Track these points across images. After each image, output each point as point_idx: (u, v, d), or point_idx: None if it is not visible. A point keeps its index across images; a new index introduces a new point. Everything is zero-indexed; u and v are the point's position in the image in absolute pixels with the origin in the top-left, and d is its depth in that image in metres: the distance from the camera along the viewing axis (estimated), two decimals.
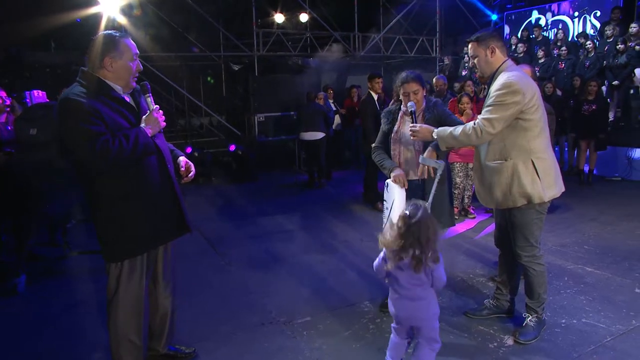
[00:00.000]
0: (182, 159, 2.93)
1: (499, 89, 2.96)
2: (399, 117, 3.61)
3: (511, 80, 2.93)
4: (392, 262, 2.55)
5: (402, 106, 3.58)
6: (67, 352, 3.30)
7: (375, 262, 2.70)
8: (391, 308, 2.71)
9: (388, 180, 3.50)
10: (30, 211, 4.51)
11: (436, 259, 2.52)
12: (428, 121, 3.41)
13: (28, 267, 4.48)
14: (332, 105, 9.88)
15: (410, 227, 2.47)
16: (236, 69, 12.55)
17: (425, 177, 3.44)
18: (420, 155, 3.33)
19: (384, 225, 3.20)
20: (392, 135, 3.60)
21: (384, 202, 3.54)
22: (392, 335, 2.80)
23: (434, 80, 8.41)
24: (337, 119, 9.98)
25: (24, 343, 3.44)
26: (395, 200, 3.37)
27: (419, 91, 3.47)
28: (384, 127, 3.69)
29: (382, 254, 2.65)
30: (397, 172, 3.47)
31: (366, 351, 3.18)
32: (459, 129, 3.06)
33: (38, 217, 4.66)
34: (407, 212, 2.52)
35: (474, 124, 3.01)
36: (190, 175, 2.91)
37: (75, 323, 3.69)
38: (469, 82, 6.93)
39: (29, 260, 4.59)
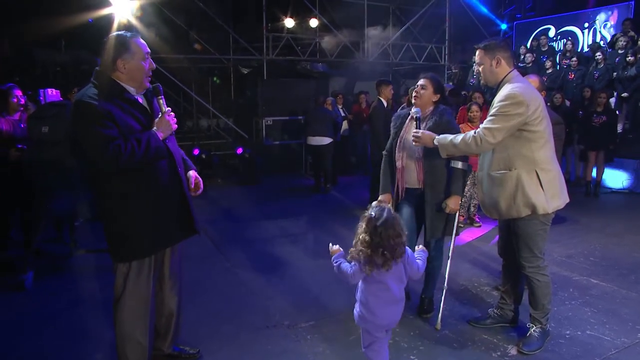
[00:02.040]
0: (192, 174, 2.95)
1: (502, 100, 2.97)
2: (406, 122, 3.62)
3: (515, 91, 2.95)
4: (370, 267, 2.52)
5: (410, 111, 3.59)
6: (71, 350, 3.32)
7: (347, 267, 2.61)
8: (377, 319, 2.60)
9: (373, 204, 3.53)
10: (38, 208, 4.54)
11: (402, 253, 2.55)
12: (430, 128, 3.41)
13: (35, 264, 4.51)
14: (341, 111, 9.90)
15: (377, 229, 2.48)
16: (245, 72, 12.62)
17: (423, 185, 3.46)
18: (453, 161, 3.43)
19: None
20: (397, 140, 3.62)
21: None
22: (376, 350, 2.69)
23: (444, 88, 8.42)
24: (344, 125, 9.99)
25: (29, 340, 3.46)
26: None
27: (427, 88, 3.50)
28: (392, 131, 3.71)
29: (355, 272, 2.58)
30: (381, 198, 3.59)
31: None
32: (459, 137, 3.09)
33: (46, 214, 4.69)
34: (373, 214, 2.53)
35: (475, 132, 3.04)
36: (198, 192, 2.93)
37: (80, 321, 3.71)
38: (478, 94, 6.90)
39: (35, 256, 4.63)
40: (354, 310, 2.69)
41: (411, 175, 3.53)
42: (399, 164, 3.58)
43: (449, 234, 3.62)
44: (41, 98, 6.26)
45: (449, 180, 3.51)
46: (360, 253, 2.52)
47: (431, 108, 3.55)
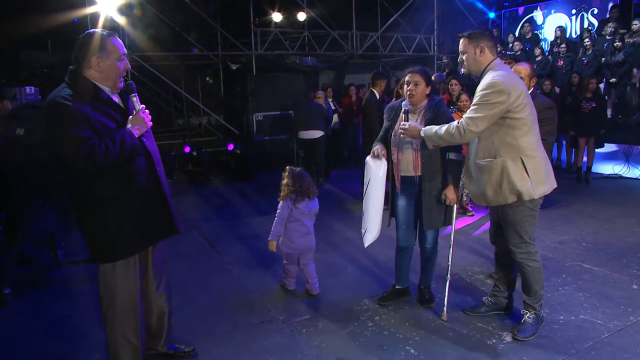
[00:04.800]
0: None
1: (484, 89, 2.98)
2: (400, 114, 3.61)
3: (496, 80, 2.95)
4: (297, 199, 3.89)
5: (403, 104, 3.59)
6: (70, 349, 3.30)
7: (280, 211, 3.91)
8: (296, 245, 3.93)
9: (367, 158, 3.55)
10: (16, 214, 4.31)
11: (315, 193, 3.99)
12: (428, 120, 3.42)
13: (22, 271, 4.42)
14: (331, 104, 9.88)
15: (294, 175, 3.92)
16: (234, 68, 12.53)
17: (420, 173, 3.47)
18: (448, 153, 3.46)
19: (363, 206, 3.61)
20: (392, 132, 3.61)
21: (363, 181, 3.60)
22: (290, 269, 4.05)
23: (432, 78, 8.40)
24: (335, 118, 9.97)
25: (28, 339, 3.44)
26: (371, 179, 3.48)
27: (420, 84, 3.48)
28: (385, 123, 3.70)
29: (285, 206, 3.90)
30: (377, 147, 3.53)
31: (365, 348, 3.19)
32: (443, 128, 3.11)
33: (26, 220, 4.47)
34: (290, 167, 3.99)
35: (458, 122, 3.06)
36: None
37: (78, 320, 3.69)
38: (454, 81, 6.86)
39: (20, 264, 4.48)
40: (280, 240, 3.98)
41: (408, 164, 3.53)
42: (394, 157, 3.58)
43: (449, 224, 3.62)
44: (18, 97, 5.98)
45: (446, 171, 3.52)
46: (288, 190, 3.90)
47: (425, 101, 3.54)
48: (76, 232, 5.35)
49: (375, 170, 3.48)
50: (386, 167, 3.50)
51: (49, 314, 3.84)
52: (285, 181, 3.94)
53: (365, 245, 3.60)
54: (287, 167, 4.02)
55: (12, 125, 4.20)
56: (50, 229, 4.96)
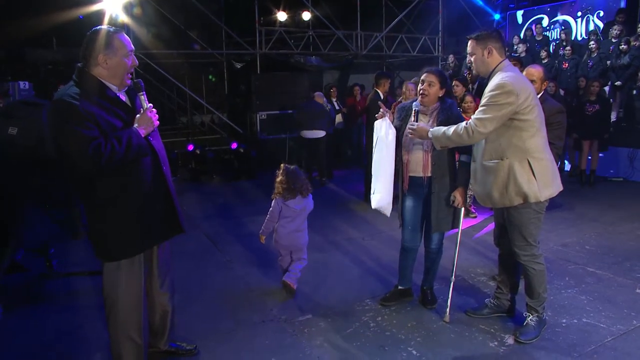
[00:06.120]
0: None
1: (492, 90, 2.98)
2: (411, 115, 3.60)
3: (505, 81, 2.95)
4: (288, 195, 3.94)
5: (413, 104, 3.57)
6: (70, 349, 3.31)
7: (273, 209, 4.01)
8: (282, 241, 4.04)
9: (376, 122, 3.59)
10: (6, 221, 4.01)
11: (309, 190, 4.04)
12: (441, 122, 3.41)
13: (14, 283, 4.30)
14: (335, 104, 9.86)
15: (288, 173, 3.97)
16: (238, 67, 12.54)
17: (430, 175, 3.46)
18: (460, 155, 3.48)
19: (373, 167, 3.61)
20: (402, 132, 3.58)
21: (373, 143, 3.63)
22: (285, 267, 4.11)
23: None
24: (338, 118, 9.96)
25: (28, 340, 3.45)
26: (378, 139, 3.52)
27: (434, 85, 3.46)
28: (396, 122, 3.68)
29: (275, 205, 3.99)
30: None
31: (367, 349, 3.19)
32: (451, 129, 3.10)
33: (16, 228, 4.14)
34: (284, 165, 4.05)
35: (466, 123, 3.05)
36: None
37: (78, 321, 3.70)
38: (457, 82, 6.83)
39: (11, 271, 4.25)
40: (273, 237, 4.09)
41: (417, 164, 3.52)
42: (404, 157, 3.57)
43: (455, 227, 3.61)
44: (11, 92, 5.69)
45: (456, 173, 3.52)
46: (281, 188, 3.95)
47: (438, 103, 3.53)
48: (72, 241, 5.29)
49: (380, 128, 3.50)
50: (394, 129, 3.51)
51: (44, 328, 3.67)
52: (279, 178, 4.00)
53: (373, 207, 3.59)
54: (282, 165, 4.07)
55: (5, 125, 3.88)
56: (44, 237, 4.75)
